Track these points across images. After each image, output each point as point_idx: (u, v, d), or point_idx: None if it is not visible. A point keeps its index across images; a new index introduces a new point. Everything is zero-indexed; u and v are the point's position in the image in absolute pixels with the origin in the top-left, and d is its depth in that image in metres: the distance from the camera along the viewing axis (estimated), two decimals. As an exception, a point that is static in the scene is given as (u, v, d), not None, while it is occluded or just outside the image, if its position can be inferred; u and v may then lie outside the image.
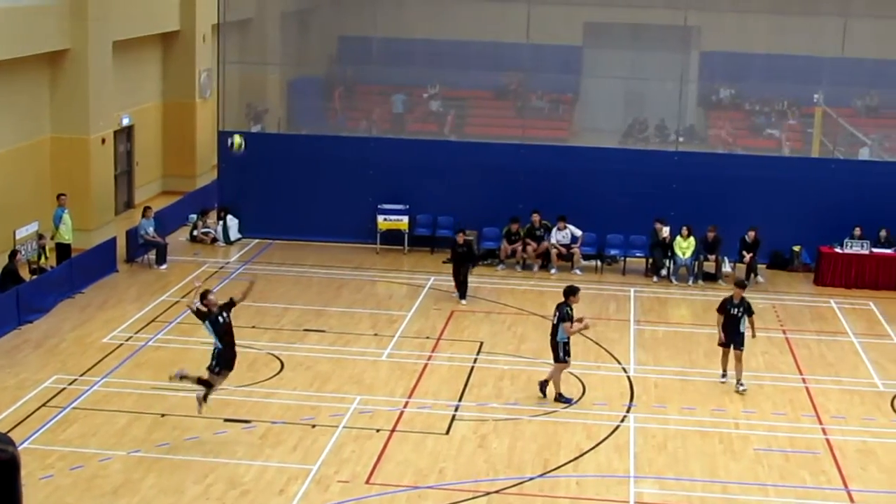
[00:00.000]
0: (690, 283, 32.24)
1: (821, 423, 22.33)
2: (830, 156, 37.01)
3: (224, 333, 20.07)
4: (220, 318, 20.06)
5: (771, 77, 39.18)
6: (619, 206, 33.64)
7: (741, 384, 23.52)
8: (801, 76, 38.63)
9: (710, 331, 26.47)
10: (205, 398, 20.20)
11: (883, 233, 32.91)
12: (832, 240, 32.81)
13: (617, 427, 21.68)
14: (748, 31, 38.82)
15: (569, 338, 22.57)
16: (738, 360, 23.62)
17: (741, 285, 23.87)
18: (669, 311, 29.96)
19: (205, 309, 20.03)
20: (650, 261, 32.94)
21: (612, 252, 33.75)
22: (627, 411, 22.47)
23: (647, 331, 27.79)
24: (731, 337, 23.59)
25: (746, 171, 34.24)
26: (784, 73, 39.16)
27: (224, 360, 20.11)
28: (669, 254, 32.55)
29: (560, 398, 22.69)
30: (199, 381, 20.19)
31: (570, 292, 22.74)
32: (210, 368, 20.15)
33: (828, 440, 21.47)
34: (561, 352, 22.60)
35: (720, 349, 24.09)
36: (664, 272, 32.57)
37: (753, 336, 23.73)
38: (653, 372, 24.79)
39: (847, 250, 32.56)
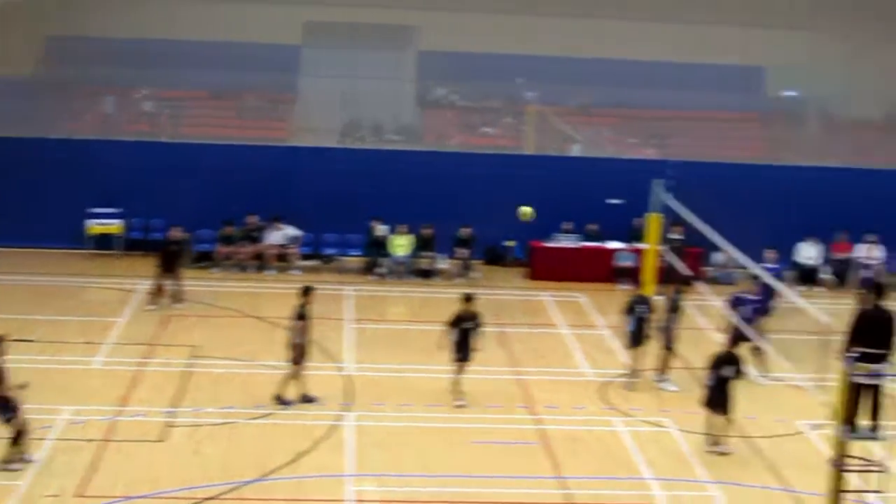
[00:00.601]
0: (407, 280, 32.50)
1: (534, 413, 22.78)
2: (543, 153, 37.82)
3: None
4: None
5: (486, 76, 39.85)
6: (336, 205, 33.60)
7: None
8: (515, 75, 39.41)
9: (426, 328, 26.78)
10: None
11: (592, 226, 33.85)
12: (544, 235, 33.58)
13: (335, 426, 21.62)
14: (465, 30, 39.41)
15: (302, 340, 22.46)
16: (463, 371, 23.48)
17: (469, 299, 23.39)
18: (386, 308, 30.16)
19: None
20: (367, 259, 33.06)
21: (329, 251, 33.76)
22: (346, 410, 22.44)
23: (365, 329, 27.86)
24: (464, 351, 23.15)
25: (462, 168, 34.71)
26: (499, 72, 39.89)
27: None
28: (386, 252, 32.73)
29: (279, 400, 22.51)
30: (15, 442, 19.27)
31: (306, 292, 22.60)
32: (8, 419, 19.14)
33: (541, 430, 21.92)
34: (295, 353, 22.46)
35: (445, 359, 24.02)
36: (381, 270, 32.73)
37: (479, 349, 23.63)
38: (370, 370, 24.86)
39: (558, 244, 33.39)
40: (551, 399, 23.64)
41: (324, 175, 33.79)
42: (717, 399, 21.12)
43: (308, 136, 39.07)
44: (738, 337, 23.74)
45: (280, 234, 32.76)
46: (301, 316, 22.43)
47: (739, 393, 23.23)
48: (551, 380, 24.79)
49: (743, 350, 23.14)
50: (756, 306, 25.38)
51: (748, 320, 24.69)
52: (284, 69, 40.86)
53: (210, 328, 27.42)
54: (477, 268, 33.37)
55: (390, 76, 37.38)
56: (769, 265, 28.19)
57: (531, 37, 39.29)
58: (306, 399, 22.60)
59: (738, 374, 21.28)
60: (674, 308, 24.49)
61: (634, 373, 24.59)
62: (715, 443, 21.22)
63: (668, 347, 24.47)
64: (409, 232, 32.71)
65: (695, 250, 32.91)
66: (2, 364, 19.06)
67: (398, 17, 38.72)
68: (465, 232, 32.89)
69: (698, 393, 22.17)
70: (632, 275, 32.56)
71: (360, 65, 39.70)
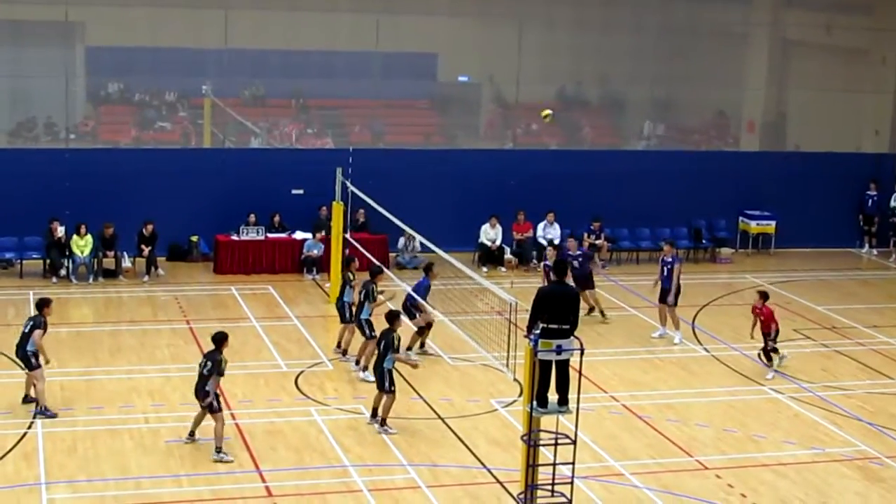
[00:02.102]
0: (91, 281, 31.79)
1: (229, 408, 22.60)
2: (222, 146, 37.62)
3: None
4: None
5: (158, 70, 39.26)
6: (11, 207, 32.47)
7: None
8: (187, 68, 38.99)
9: (113, 328, 26.39)
10: None
11: (276, 218, 33.89)
12: (228, 228, 33.41)
13: (24, 434, 21.01)
14: (131, 24, 38.65)
15: (36, 349, 21.96)
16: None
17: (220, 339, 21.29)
18: (71, 311, 29.34)
19: None
20: (47, 261, 32.15)
21: (7, 255, 32.62)
22: (34, 417, 21.80)
23: (49, 333, 26.76)
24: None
25: (140, 164, 34.15)
26: (170, 66, 39.36)
27: None
28: (67, 253, 31.93)
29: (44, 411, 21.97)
30: None
31: (45, 304, 22.39)
32: None
33: (237, 425, 21.82)
34: (33, 359, 21.96)
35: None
36: (63, 272, 31.91)
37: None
38: (58, 375, 24.05)
39: (243, 237, 33.28)
40: (245, 393, 23.56)
41: (-4, 177, 32.70)
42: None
43: (-24, 139, 37.65)
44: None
45: (-47, 241, 31.61)
46: (39, 324, 22.16)
47: (433, 373, 23.84)
48: (245, 374, 24.65)
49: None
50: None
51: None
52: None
53: None
54: (161, 264, 32.88)
55: (58, 73, 36.34)
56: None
57: (197, 29, 38.87)
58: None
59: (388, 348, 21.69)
60: (367, 296, 24.78)
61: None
62: (381, 422, 21.70)
63: (367, 336, 24.71)
64: (90, 231, 31.94)
65: (380, 237, 33.42)
66: None
67: (60, 14, 37.64)
68: (148, 228, 32.39)
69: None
70: (319, 264, 32.83)
71: (26, 63, 38.41)
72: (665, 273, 27.89)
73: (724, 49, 41.41)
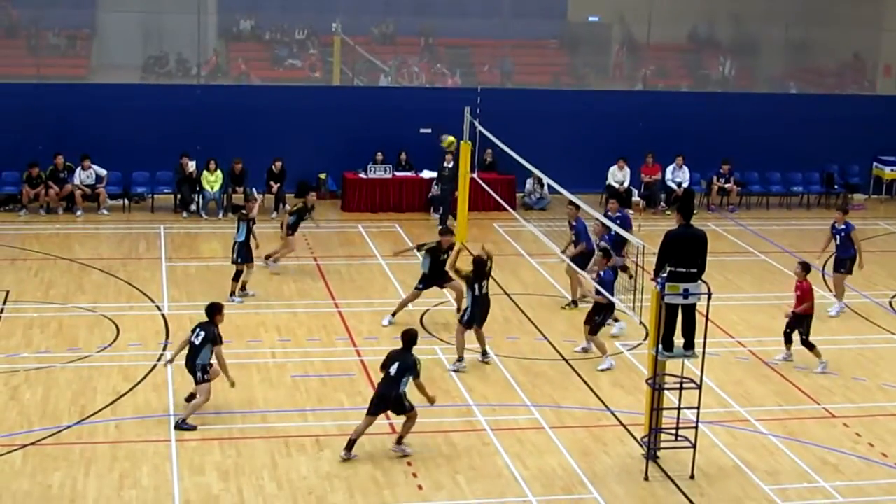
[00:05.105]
0: (220, 216, 32.22)
1: (354, 345, 22.84)
2: (350, 84, 37.71)
3: None
4: None
5: (289, 7, 39.40)
6: (143, 142, 33.02)
7: None
8: (318, 5, 39.05)
9: (242, 263, 26.65)
10: None
11: (403, 156, 33.97)
12: (356, 165, 33.60)
13: (154, 366, 21.38)
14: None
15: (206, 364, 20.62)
16: None
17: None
18: (200, 245, 29.77)
19: None
20: (178, 196, 32.63)
21: (139, 190, 33.20)
22: (164, 350, 22.18)
23: (179, 267, 27.50)
24: None
25: (269, 101, 34.47)
26: (301, 3, 39.48)
27: None
28: (197, 188, 32.35)
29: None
30: None
31: (216, 310, 19.70)
32: None
33: (362, 361, 22.00)
34: (200, 374, 19.52)
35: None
36: (193, 207, 32.36)
37: None
38: (187, 308, 24.51)
39: (371, 175, 33.43)
40: (371, 330, 23.71)
41: (130, 112, 33.14)
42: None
43: (109, 73, 38.14)
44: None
45: (88, 174, 32.10)
46: (215, 339, 19.53)
47: (557, 315, 23.73)
48: (370, 311, 24.83)
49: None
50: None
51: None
52: (81, 5, 39.71)
53: (20, 272, 26.72)
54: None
55: (190, 9, 36.60)
56: None
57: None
58: None
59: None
60: None
61: None
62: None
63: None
64: (219, 167, 32.32)
65: (507, 177, 33.38)
66: None
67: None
68: (277, 165, 32.68)
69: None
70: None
71: (159, -1, 38.84)
72: (839, 241, 26.05)
73: (862, -11, 40.46)
